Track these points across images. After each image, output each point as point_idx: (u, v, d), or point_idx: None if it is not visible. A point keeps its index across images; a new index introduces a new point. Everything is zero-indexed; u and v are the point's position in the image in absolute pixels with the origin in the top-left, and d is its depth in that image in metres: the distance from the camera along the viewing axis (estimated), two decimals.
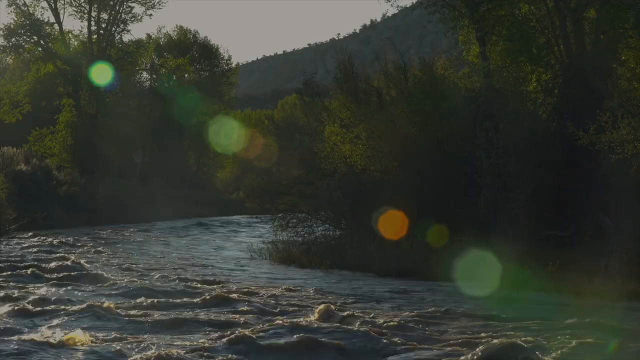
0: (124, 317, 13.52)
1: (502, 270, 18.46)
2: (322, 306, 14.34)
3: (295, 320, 13.55)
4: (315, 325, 12.87)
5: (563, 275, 18.27)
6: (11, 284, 17.10)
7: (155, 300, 15.38)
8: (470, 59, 29.75)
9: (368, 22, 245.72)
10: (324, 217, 27.37)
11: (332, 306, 14.58)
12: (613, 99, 20.49)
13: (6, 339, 11.39)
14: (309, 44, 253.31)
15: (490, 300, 16.39)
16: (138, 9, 54.83)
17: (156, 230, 37.44)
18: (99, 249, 26.38)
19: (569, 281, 17.80)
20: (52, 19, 46.79)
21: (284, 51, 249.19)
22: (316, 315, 13.89)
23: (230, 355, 10.85)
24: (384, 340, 11.96)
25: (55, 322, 12.91)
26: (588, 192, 22.32)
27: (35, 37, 45.81)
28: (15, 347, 10.89)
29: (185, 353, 10.82)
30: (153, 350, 10.87)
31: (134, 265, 21.86)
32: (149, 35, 60.14)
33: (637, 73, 21.22)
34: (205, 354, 10.90)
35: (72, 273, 18.98)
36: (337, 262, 22.49)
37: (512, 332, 12.51)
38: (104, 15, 47.94)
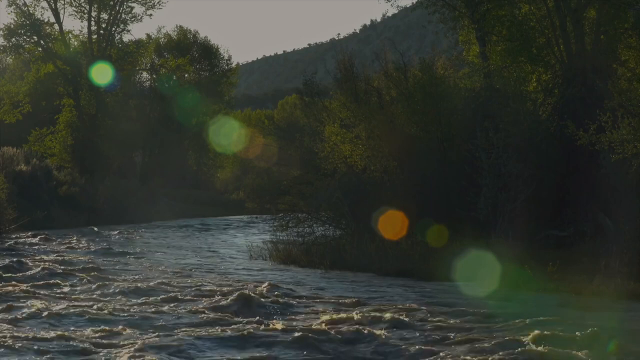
0: (120, 316, 13.51)
1: (502, 270, 18.45)
2: (321, 307, 14.34)
3: (293, 321, 13.55)
4: (314, 326, 12.86)
5: (563, 275, 18.25)
6: (10, 283, 17.10)
7: (151, 301, 15.37)
8: (470, 59, 29.74)
9: (368, 22, 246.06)
10: (324, 217, 27.36)
11: (331, 307, 14.58)
12: (613, 99, 20.48)
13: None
14: (309, 44, 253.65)
15: (490, 300, 16.38)
16: (138, 9, 55.00)
17: (155, 230, 37.40)
18: (98, 248, 26.39)
19: (569, 281, 17.78)
20: (52, 19, 46.86)
21: (284, 51, 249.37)
22: (314, 316, 13.88)
23: (227, 355, 10.85)
24: (382, 341, 11.95)
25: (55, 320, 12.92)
26: (588, 192, 22.30)
27: (35, 37, 45.79)
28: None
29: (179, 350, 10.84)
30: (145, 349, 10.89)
31: (126, 266, 21.87)
32: (149, 35, 60.30)
33: (637, 73, 21.23)
34: (200, 352, 10.90)
35: (71, 272, 18.99)
36: (337, 262, 22.45)
37: (512, 332, 12.50)
38: (104, 15, 47.94)
